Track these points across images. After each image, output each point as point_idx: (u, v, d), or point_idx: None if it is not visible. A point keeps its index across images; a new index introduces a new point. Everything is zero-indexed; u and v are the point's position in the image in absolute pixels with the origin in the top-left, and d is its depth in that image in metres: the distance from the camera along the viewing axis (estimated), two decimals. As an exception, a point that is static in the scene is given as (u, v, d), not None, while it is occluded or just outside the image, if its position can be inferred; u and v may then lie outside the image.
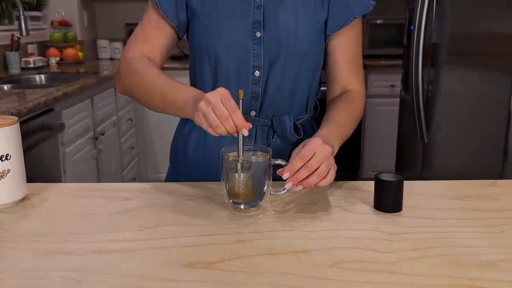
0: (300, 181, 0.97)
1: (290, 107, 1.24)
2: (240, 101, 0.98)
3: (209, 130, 0.98)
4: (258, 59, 1.19)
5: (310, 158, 0.96)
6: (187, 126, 1.29)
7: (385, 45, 3.90)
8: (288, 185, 0.97)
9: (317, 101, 1.34)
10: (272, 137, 1.24)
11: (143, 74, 1.17)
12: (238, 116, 0.95)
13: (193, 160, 1.27)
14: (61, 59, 3.89)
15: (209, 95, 0.97)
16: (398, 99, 3.00)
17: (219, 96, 0.96)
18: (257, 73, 1.20)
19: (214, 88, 1.21)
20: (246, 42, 1.18)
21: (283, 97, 1.23)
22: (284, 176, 0.97)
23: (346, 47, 1.25)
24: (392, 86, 3.78)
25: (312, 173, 0.97)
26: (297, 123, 1.25)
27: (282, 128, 1.22)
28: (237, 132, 0.97)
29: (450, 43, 2.23)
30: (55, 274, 0.78)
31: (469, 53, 2.15)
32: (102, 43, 4.35)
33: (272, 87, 1.21)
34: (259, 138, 1.24)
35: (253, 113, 1.22)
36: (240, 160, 0.98)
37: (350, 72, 1.26)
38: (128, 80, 1.21)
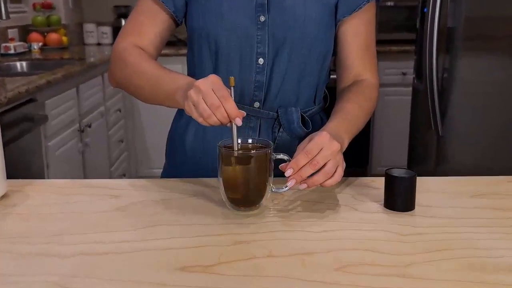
0: (305, 179, 0.97)
1: (297, 98, 1.24)
2: (232, 88, 0.98)
3: (200, 120, 0.98)
4: (262, 46, 1.18)
5: (316, 154, 0.96)
6: (184, 117, 1.28)
7: (396, 30, 3.89)
8: (290, 183, 0.97)
9: (326, 91, 1.34)
10: (278, 131, 1.23)
11: (135, 65, 1.17)
12: (230, 105, 0.95)
13: (191, 155, 1.27)
14: (44, 45, 3.89)
15: (199, 82, 0.97)
16: (410, 88, 2.99)
17: (211, 84, 0.96)
18: (261, 60, 1.19)
19: None
20: (248, 27, 1.17)
21: (290, 87, 1.22)
22: (287, 173, 0.96)
23: (358, 33, 1.24)
24: (404, 74, 3.78)
25: (317, 171, 0.96)
26: (305, 115, 1.24)
27: (288, 121, 1.22)
28: (230, 122, 0.97)
29: (466, 27, 2.22)
30: (37, 279, 0.78)
31: (487, 37, 2.15)
32: (89, 27, 4.34)
33: (278, 76, 1.20)
34: (264, 132, 1.23)
35: (257, 104, 1.22)
36: (236, 153, 0.97)
37: (362, 60, 1.25)
38: (121, 73, 1.21)
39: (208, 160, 1.24)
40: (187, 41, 1.27)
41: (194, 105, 0.98)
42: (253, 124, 1.22)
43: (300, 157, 0.96)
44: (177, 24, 1.26)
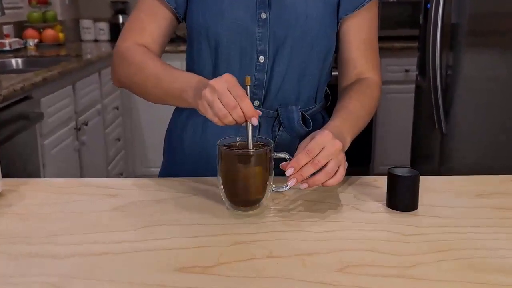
0: (306, 178, 0.97)
1: (298, 96, 1.24)
2: (248, 87, 0.98)
3: (215, 120, 0.99)
4: (262, 43, 1.18)
5: (317, 154, 0.96)
6: (183, 115, 1.28)
7: (399, 26, 3.89)
8: (291, 182, 0.97)
9: (328, 90, 1.34)
10: (278, 130, 1.24)
11: (139, 63, 1.17)
12: (247, 104, 0.96)
13: (190, 153, 1.27)
14: (40, 41, 3.88)
15: (215, 82, 0.97)
16: (413, 86, 3.00)
17: (226, 83, 0.97)
18: (261, 58, 1.19)
19: (213, 75, 1.21)
20: (249, 24, 1.17)
21: (290, 85, 1.22)
22: (288, 172, 0.96)
23: (360, 31, 1.24)
24: (407, 71, 3.77)
25: (319, 170, 0.96)
26: (305, 114, 1.24)
27: (289, 119, 1.22)
28: (246, 121, 0.97)
29: (470, 23, 2.22)
30: (34, 280, 0.78)
31: (492, 34, 2.15)
32: (85, 23, 4.33)
33: (278, 74, 1.20)
34: (264, 131, 1.23)
35: (257, 103, 1.22)
36: (251, 152, 0.98)
37: (365, 58, 1.25)
38: (124, 72, 1.21)
39: (207, 159, 1.24)
40: (187, 38, 1.27)
41: (209, 105, 0.98)
42: None
43: (301, 156, 0.96)
44: (178, 21, 1.26)
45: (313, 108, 1.27)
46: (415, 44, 2.97)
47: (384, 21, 3.84)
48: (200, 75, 1.20)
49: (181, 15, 1.24)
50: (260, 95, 1.21)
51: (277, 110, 1.23)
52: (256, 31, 1.17)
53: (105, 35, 4.31)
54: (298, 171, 0.96)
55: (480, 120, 2.21)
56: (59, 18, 4.11)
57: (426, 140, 2.69)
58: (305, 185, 0.97)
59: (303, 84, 1.23)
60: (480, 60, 2.19)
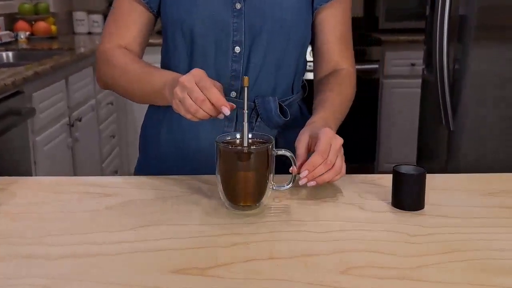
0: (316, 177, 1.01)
1: (275, 87, 1.27)
2: (246, 88, 1.00)
3: (189, 116, 1.02)
4: (238, 34, 1.21)
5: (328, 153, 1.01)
6: (159, 110, 1.31)
7: (404, 18, 3.88)
8: (303, 181, 1.00)
9: (305, 81, 1.38)
10: (255, 121, 1.26)
11: (122, 66, 1.22)
12: (214, 95, 0.99)
13: (166, 147, 1.30)
14: (32, 34, 3.88)
15: (183, 78, 1.01)
16: (419, 80, 2.99)
17: (193, 77, 1.01)
18: (237, 49, 1.22)
19: (189, 68, 1.22)
20: (224, 14, 1.20)
21: (267, 76, 1.25)
22: (302, 174, 1.00)
23: (335, 22, 1.29)
24: (413, 65, 3.77)
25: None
26: (282, 104, 1.27)
27: (266, 110, 1.25)
28: (243, 123, 0.99)
29: (479, 16, 2.22)
30: (24, 282, 0.78)
31: (501, 27, 2.15)
32: (79, 15, 4.33)
33: (255, 65, 1.23)
34: (241, 122, 1.24)
35: (233, 94, 1.25)
36: (250, 150, 0.99)
37: (340, 50, 1.30)
38: (108, 75, 1.26)
39: (184, 153, 1.27)
40: (162, 31, 1.29)
41: (180, 102, 1.02)
42: (230, 114, 1.23)
43: (317, 159, 1.00)
44: (156, 16, 1.29)
45: (290, 98, 1.31)
46: (422, 37, 2.96)
47: (389, 13, 3.84)
48: (176, 69, 1.23)
49: (155, 10, 1.27)
50: (237, 86, 1.24)
51: (254, 101, 1.25)
52: (231, 21, 1.20)
53: (99, 28, 4.30)
54: (311, 172, 1.01)
55: (489, 116, 2.21)
56: (52, 10, 4.10)
57: (433, 136, 2.69)
58: (313, 183, 1.01)
59: (280, 75, 1.27)
60: (489, 54, 2.19)
